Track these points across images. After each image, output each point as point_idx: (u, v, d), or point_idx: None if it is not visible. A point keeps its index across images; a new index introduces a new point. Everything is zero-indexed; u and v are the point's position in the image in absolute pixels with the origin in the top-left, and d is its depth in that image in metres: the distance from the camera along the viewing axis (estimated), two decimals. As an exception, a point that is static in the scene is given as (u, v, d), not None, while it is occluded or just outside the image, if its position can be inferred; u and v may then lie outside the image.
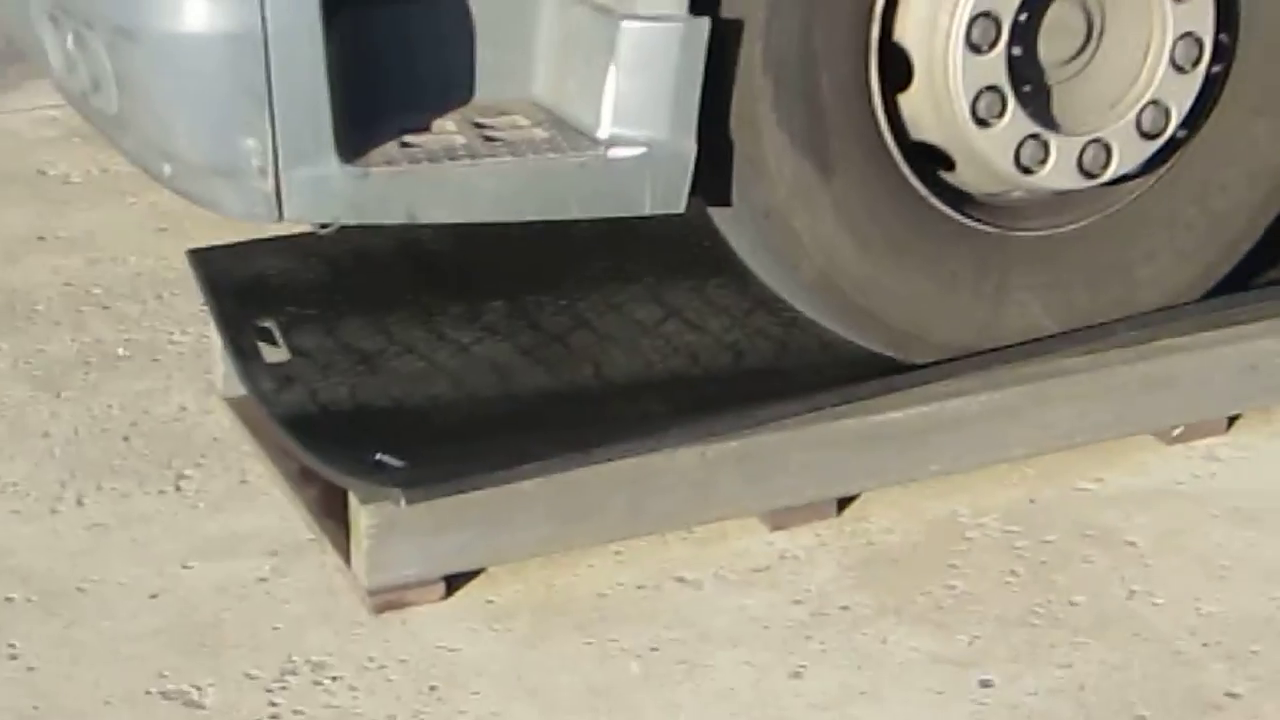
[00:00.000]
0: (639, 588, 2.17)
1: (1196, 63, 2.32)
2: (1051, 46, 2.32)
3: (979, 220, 2.40)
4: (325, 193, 2.16)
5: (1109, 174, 2.33)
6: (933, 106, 2.28)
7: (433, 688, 2.01)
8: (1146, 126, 2.33)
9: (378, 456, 2.16)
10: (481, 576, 2.19)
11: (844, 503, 2.33)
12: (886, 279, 2.37)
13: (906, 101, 2.31)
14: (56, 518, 2.39)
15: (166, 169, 2.24)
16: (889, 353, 2.40)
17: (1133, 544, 2.25)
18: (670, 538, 2.27)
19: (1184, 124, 2.37)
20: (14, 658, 2.08)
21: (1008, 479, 2.40)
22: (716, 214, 2.42)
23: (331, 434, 2.28)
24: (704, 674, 2.02)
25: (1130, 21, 2.33)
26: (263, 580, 2.22)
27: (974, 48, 2.21)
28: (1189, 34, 2.30)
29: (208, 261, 2.76)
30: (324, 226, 2.28)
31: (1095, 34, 2.33)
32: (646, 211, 2.24)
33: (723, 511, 2.27)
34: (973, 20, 2.19)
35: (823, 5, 2.22)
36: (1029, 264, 2.44)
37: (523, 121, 2.29)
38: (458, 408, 2.41)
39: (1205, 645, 2.04)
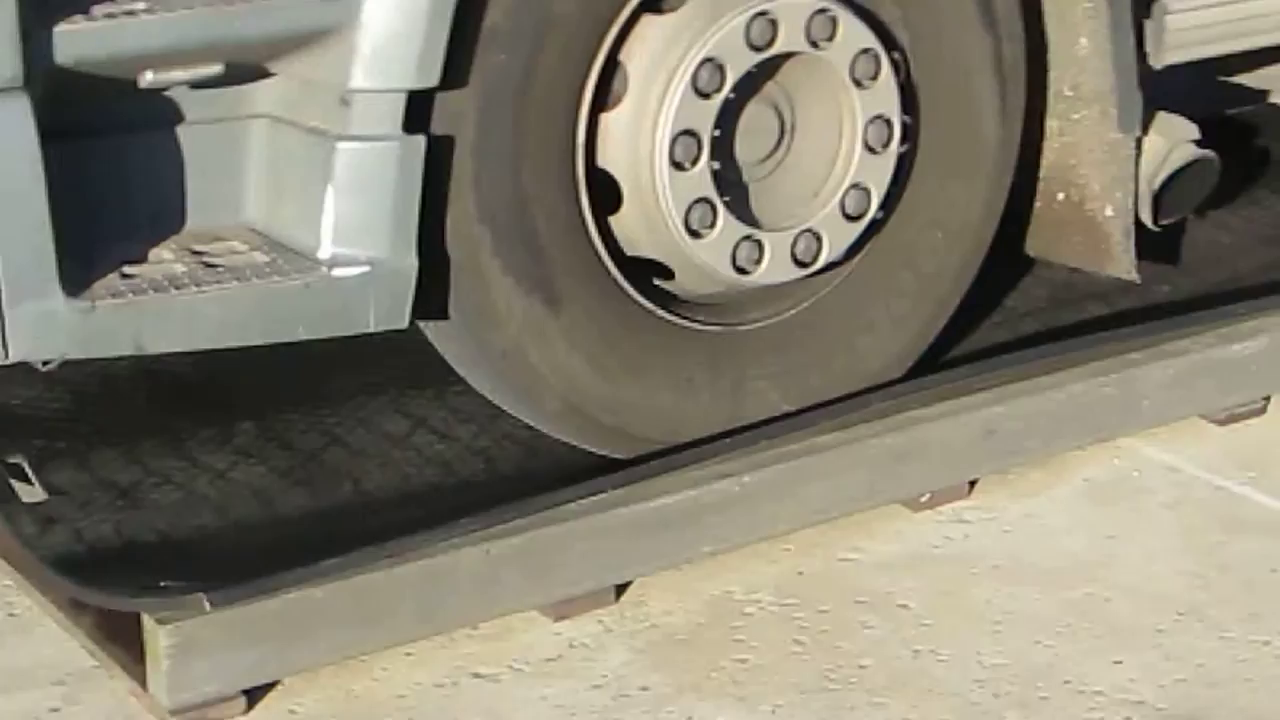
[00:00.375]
0: (437, 686, 2.15)
1: (888, 143, 2.47)
2: (750, 149, 2.43)
3: (706, 322, 2.50)
4: (51, 328, 2.09)
5: (822, 261, 2.46)
6: (646, 225, 2.36)
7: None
8: (850, 209, 2.46)
9: (162, 584, 2.12)
10: (280, 688, 2.12)
11: (621, 588, 2.36)
12: (629, 395, 2.45)
13: (619, 223, 2.39)
14: None
15: None
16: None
17: (906, 606, 2.34)
18: (458, 635, 2.25)
19: (883, 202, 2.50)
20: None
21: (773, 554, 2.47)
22: (454, 358, 2.48)
23: (103, 569, 2.23)
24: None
25: (820, 113, 2.46)
26: (55, 710, 2.13)
27: (678, 165, 2.30)
28: (878, 117, 2.45)
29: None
30: (46, 363, 2.23)
31: (788, 130, 2.46)
32: (372, 329, 2.26)
33: (508, 606, 2.27)
34: (674, 140, 2.29)
35: (529, 147, 2.28)
36: (760, 355, 2.56)
37: (240, 247, 2.28)
38: (224, 536, 2.38)
39: (996, 696, 2.14)
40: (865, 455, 2.50)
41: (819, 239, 2.45)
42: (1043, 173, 2.77)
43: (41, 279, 2.06)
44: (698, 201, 2.33)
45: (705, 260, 2.37)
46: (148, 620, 2.03)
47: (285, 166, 2.28)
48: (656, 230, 2.36)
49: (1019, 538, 2.54)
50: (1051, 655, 2.23)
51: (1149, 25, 2.73)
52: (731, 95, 2.34)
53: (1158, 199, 2.78)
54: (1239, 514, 2.63)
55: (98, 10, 2.06)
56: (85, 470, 2.49)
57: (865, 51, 2.41)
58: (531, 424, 2.53)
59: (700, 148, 2.31)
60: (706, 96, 2.30)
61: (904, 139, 2.50)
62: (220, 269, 2.21)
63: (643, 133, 2.31)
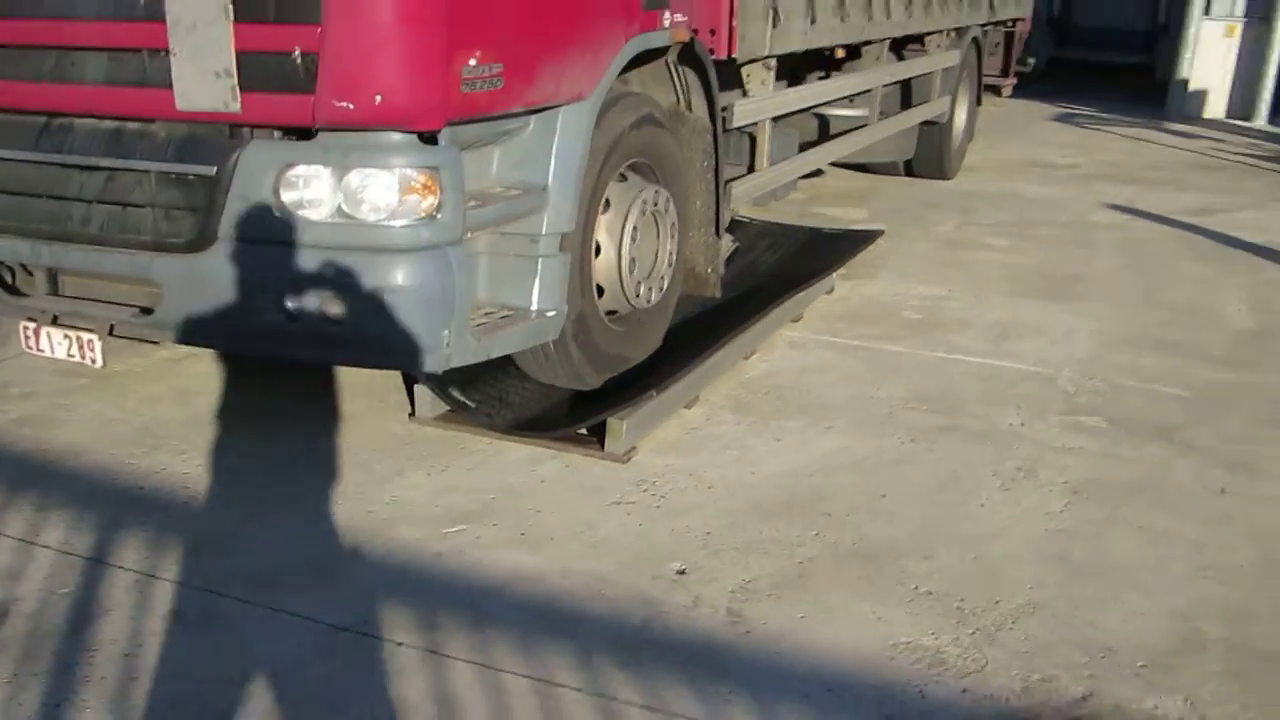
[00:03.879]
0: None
1: (672, 245, 5.43)
2: None
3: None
4: (465, 348, 4.15)
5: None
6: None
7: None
8: (664, 276, 5.45)
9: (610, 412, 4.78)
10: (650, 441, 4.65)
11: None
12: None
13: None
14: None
15: None
16: None
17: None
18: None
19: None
20: None
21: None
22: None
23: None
24: None
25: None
26: (554, 457, 4.70)
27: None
28: (672, 233, 5.43)
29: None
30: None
31: None
32: (551, 339, 4.61)
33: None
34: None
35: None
36: None
37: (491, 309, 4.46)
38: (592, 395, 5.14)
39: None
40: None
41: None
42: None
43: (465, 326, 4.11)
44: None
45: None
46: (611, 421, 4.66)
47: (501, 271, 4.41)
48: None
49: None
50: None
51: (723, 191, 5.71)
52: None
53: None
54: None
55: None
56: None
57: (668, 199, 5.28)
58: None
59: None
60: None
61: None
62: (505, 316, 4.38)
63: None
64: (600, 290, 4.91)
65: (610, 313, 5.04)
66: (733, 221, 7.19)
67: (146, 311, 4.23)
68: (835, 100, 8.06)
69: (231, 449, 4.68)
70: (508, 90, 4.06)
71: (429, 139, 3.89)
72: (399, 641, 3.44)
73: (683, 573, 3.89)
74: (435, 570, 3.83)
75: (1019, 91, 16.07)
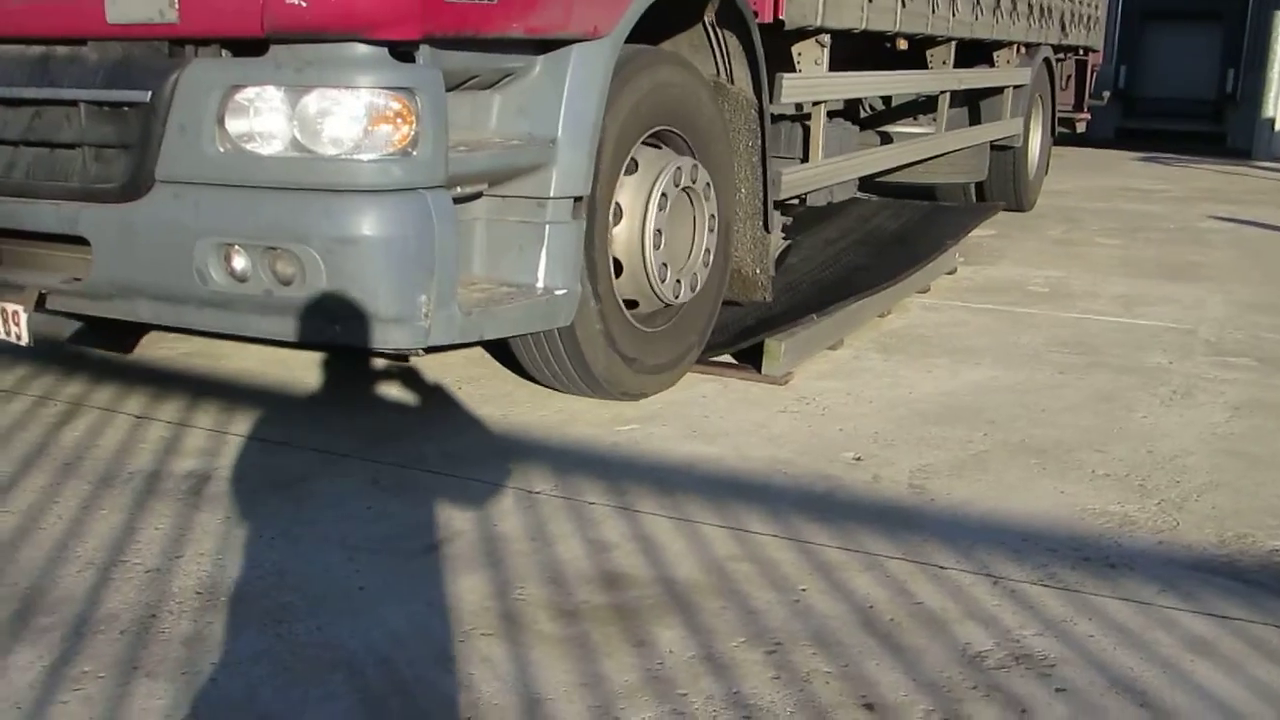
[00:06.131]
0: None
1: (713, 229, 4.63)
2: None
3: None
4: (452, 325, 3.35)
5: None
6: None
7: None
8: (705, 262, 4.62)
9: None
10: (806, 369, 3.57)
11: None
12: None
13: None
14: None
15: None
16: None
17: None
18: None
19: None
20: None
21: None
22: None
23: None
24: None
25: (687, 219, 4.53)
26: (718, 386, 4.57)
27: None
28: (712, 215, 4.58)
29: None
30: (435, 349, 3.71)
31: None
32: (564, 324, 3.82)
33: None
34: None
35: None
36: None
37: (487, 286, 3.65)
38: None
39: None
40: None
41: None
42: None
43: (450, 295, 3.29)
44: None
45: None
46: (770, 341, 4.62)
47: (502, 241, 3.65)
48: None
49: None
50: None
51: (771, 179, 4.83)
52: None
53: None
54: None
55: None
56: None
57: (707, 184, 4.44)
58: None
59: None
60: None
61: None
62: (508, 292, 3.59)
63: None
64: (619, 268, 4.09)
65: (630, 305, 4.19)
66: (824, 207, 6.59)
67: (79, 279, 3.48)
68: (899, 115, 7.69)
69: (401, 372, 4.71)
70: (504, 7, 3.36)
71: (405, 57, 3.17)
72: (590, 501, 3.42)
73: (859, 459, 3.84)
74: (614, 455, 3.82)
75: (1091, 143, 16.05)
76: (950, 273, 6.91)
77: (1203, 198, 11.26)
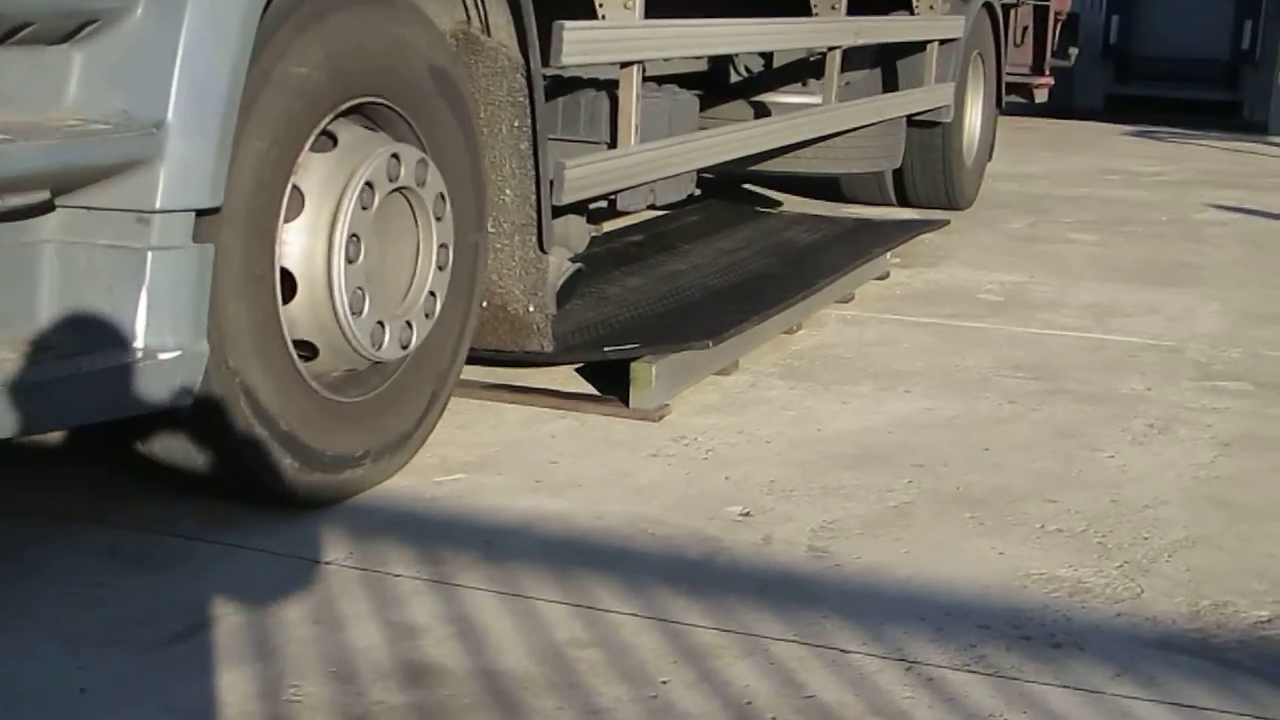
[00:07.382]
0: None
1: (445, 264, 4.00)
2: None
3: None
4: None
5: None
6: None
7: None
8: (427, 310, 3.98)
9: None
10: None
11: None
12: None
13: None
14: None
15: None
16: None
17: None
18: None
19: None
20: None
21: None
22: None
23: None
24: None
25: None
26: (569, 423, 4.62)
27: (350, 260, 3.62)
28: (443, 245, 3.98)
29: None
30: None
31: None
32: (179, 405, 3.18)
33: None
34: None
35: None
36: None
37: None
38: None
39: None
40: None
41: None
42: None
43: None
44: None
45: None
46: (637, 365, 4.64)
47: (83, 276, 3.07)
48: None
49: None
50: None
51: (555, 179, 4.40)
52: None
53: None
54: None
55: None
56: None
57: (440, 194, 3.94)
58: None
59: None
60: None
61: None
62: (85, 359, 3.02)
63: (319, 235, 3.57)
64: (292, 288, 3.59)
65: (307, 355, 3.67)
66: (713, 213, 6.54)
67: None
68: (785, 80, 7.27)
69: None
70: None
71: None
72: (396, 573, 3.41)
73: (747, 515, 3.88)
74: (431, 512, 3.82)
75: (1074, 114, 16.34)
76: (881, 278, 7.01)
77: (1203, 182, 11.57)
